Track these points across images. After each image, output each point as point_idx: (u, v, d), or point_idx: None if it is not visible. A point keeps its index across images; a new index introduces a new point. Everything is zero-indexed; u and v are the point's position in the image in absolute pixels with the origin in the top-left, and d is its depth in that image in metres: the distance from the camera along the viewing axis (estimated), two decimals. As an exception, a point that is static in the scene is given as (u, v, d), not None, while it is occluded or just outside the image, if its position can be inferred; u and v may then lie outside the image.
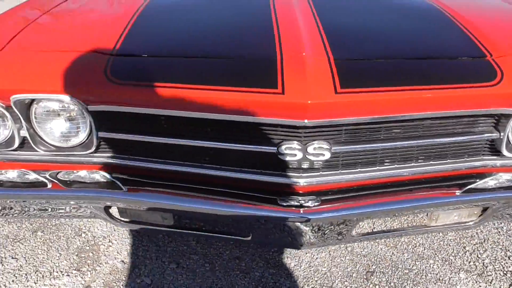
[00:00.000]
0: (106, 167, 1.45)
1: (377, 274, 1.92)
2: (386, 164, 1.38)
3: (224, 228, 1.60)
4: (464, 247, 2.06)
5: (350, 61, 1.26)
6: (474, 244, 2.08)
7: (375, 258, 2.01)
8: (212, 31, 1.48)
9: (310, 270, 1.95)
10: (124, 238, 2.14)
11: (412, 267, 1.96)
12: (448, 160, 1.41)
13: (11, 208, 1.52)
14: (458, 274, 1.91)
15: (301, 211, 1.27)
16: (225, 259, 2.01)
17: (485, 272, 1.91)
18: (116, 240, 2.13)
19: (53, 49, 1.40)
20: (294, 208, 1.29)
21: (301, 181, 1.34)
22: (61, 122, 1.40)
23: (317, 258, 2.02)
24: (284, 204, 1.33)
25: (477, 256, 2.01)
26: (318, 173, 1.35)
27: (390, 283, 1.87)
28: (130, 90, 1.25)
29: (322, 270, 1.95)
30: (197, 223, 1.91)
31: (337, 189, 1.39)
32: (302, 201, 1.35)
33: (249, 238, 1.45)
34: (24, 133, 1.40)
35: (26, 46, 1.41)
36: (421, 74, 1.26)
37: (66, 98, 1.29)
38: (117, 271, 1.95)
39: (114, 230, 2.20)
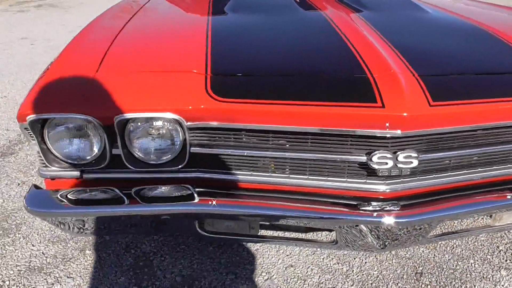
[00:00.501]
0: (193, 181, 1.51)
1: (426, 274, 2.05)
2: (458, 169, 1.51)
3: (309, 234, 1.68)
4: (498, 247, 2.22)
5: (433, 76, 1.39)
6: (506, 244, 2.25)
7: (420, 260, 2.13)
8: (290, 51, 1.59)
9: (363, 274, 2.05)
10: (175, 252, 2.18)
11: (456, 267, 2.09)
12: (509, 165, 1.56)
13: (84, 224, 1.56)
14: (499, 271, 2.06)
15: (393, 215, 1.38)
16: (280, 267, 2.09)
17: (523, 268, 2.08)
18: (167, 255, 2.16)
19: (144, 69, 1.46)
20: (385, 212, 1.40)
21: (386, 187, 1.45)
22: (155, 139, 1.45)
23: (366, 262, 2.12)
24: (371, 209, 1.44)
25: (512, 254, 2.17)
26: (399, 180, 1.46)
27: (440, 283, 2.00)
28: (233, 106, 1.33)
29: (374, 274, 2.05)
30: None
31: (413, 195, 1.50)
32: (385, 207, 1.45)
33: (334, 243, 1.54)
34: (117, 151, 1.45)
35: (118, 68, 1.46)
36: (495, 87, 1.41)
37: (169, 115, 1.35)
38: (177, 285, 1.98)
39: (163, 245, 2.23)
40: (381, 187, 1.45)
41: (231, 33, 1.77)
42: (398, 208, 1.45)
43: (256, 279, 2.01)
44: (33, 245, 2.23)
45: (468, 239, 2.28)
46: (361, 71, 1.41)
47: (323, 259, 2.14)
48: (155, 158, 1.47)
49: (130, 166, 1.46)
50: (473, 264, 2.11)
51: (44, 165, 1.51)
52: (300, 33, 1.78)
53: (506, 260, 2.13)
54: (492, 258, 2.15)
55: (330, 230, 1.54)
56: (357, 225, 1.43)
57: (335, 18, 1.87)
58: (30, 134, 1.43)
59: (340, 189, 1.49)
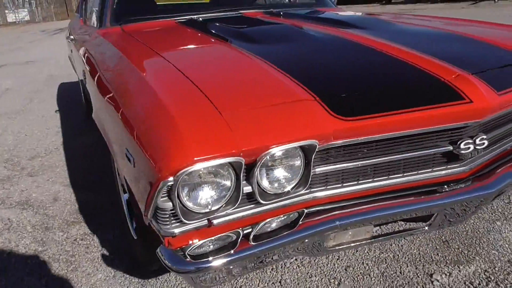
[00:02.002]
0: (316, 200, 1.60)
1: (451, 241, 2.41)
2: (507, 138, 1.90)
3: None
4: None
5: (482, 73, 1.74)
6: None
7: (438, 232, 2.50)
8: (357, 68, 1.80)
9: (408, 256, 2.31)
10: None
11: (466, 228, 2.51)
12: None
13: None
14: (496, 223, 2.54)
15: (484, 185, 1.68)
16: (340, 271, 2.23)
17: None
18: (232, 292, 2.13)
19: (256, 105, 1.50)
20: (475, 185, 1.69)
21: (465, 168, 1.74)
22: (281, 169, 1.50)
23: (402, 246, 2.40)
24: (463, 186, 1.72)
25: None
26: (469, 159, 1.77)
27: (465, 243, 2.37)
28: (362, 123, 1.47)
29: (415, 253, 2.33)
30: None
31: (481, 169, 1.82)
32: (462, 184, 1.75)
33: (429, 226, 1.77)
34: (248, 188, 1.45)
35: (234, 107, 1.46)
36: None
37: (301, 144, 1.42)
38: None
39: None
40: (461, 168, 1.73)
41: (286, 59, 1.89)
42: (470, 183, 1.76)
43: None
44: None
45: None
46: (432, 78, 1.68)
47: (368, 252, 2.36)
48: (280, 186, 1.51)
49: (262, 201, 1.48)
50: (474, 223, 2.56)
51: (168, 221, 1.43)
52: (343, 53, 1.99)
53: (493, 213, 2.64)
54: (483, 215, 2.64)
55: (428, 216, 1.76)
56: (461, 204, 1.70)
57: (353, 38, 2.13)
58: (163, 192, 1.35)
59: (428, 179, 1.73)
